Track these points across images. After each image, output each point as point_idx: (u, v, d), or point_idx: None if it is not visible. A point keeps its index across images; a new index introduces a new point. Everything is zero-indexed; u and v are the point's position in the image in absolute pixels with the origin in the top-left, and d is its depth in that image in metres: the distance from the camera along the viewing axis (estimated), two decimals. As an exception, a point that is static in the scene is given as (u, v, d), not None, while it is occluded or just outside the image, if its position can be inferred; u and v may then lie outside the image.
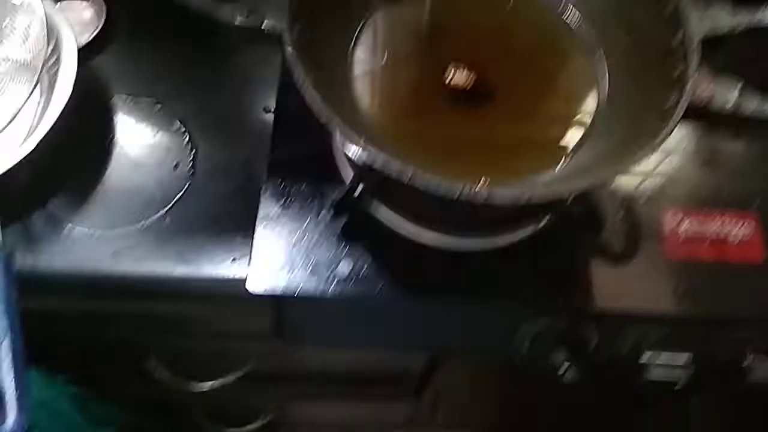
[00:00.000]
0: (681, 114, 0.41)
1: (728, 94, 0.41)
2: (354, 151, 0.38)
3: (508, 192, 0.37)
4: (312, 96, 0.38)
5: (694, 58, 0.42)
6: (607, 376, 0.56)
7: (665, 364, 0.53)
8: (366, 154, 0.37)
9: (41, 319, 0.58)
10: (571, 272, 0.53)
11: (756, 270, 0.53)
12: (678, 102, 0.41)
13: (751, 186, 0.57)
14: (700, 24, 0.44)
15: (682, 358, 0.53)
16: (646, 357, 0.53)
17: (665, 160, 0.57)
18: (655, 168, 0.57)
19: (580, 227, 0.53)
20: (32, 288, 0.49)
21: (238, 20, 0.40)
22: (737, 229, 0.55)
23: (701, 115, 0.42)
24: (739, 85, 0.41)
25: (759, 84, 0.52)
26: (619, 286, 0.53)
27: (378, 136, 0.46)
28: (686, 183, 0.57)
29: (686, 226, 0.55)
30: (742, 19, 0.44)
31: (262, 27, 0.41)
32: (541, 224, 0.53)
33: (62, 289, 0.57)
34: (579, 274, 0.53)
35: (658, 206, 0.55)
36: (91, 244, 0.55)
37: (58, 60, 0.58)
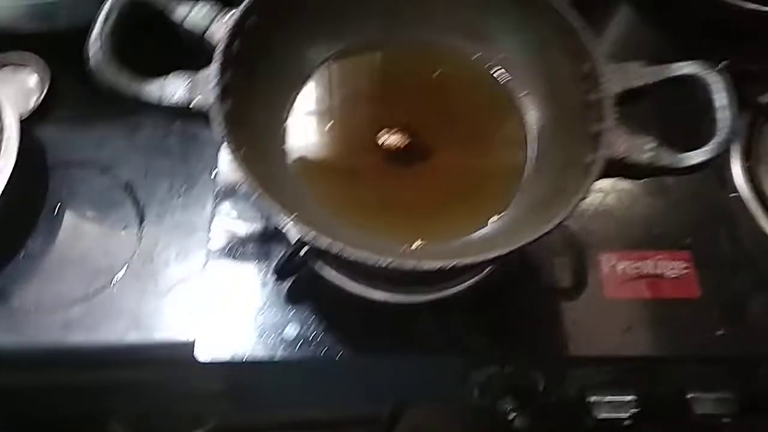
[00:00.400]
0: (600, 169, 0.42)
1: (643, 149, 0.43)
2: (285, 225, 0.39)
3: (434, 261, 0.38)
4: (243, 172, 0.39)
5: (609, 115, 0.44)
6: (555, 418, 0.57)
7: (612, 402, 0.54)
8: (296, 230, 0.38)
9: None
10: (514, 319, 0.54)
11: (693, 306, 0.55)
12: (596, 158, 0.43)
13: (682, 226, 0.59)
14: (615, 80, 0.46)
15: (628, 396, 0.54)
16: (592, 398, 0.54)
17: (599, 204, 0.59)
18: (589, 213, 0.58)
19: (519, 276, 0.54)
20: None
21: (166, 101, 0.41)
22: (672, 267, 0.57)
23: (622, 167, 0.44)
24: (653, 143, 0.43)
25: (674, 130, 0.55)
26: (561, 331, 0.54)
27: (314, 202, 0.48)
28: (620, 225, 0.59)
29: (623, 266, 0.56)
30: (655, 73, 0.46)
31: (190, 107, 0.42)
32: (484, 274, 0.54)
33: (13, 365, 0.56)
34: (522, 321, 0.54)
35: (594, 249, 0.57)
36: (40, 317, 0.55)
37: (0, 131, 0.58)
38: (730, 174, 0.62)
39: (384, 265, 0.38)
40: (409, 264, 0.38)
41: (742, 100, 0.61)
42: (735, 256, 0.58)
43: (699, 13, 0.73)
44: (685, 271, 0.57)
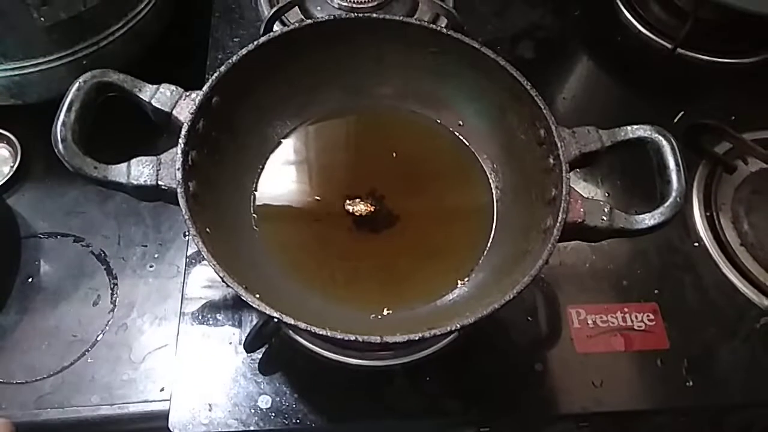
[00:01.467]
0: (559, 234, 0.44)
1: (599, 213, 0.45)
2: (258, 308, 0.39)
3: (398, 336, 0.39)
4: (208, 257, 0.40)
5: (566, 181, 0.45)
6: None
7: (588, 457, 0.55)
8: (267, 312, 0.39)
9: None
10: (488, 380, 0.55)
11: (662, 357, 0.56)
12: (555, 223, 0.44)
13: (649, 277, 0.60)
14: (571, 145, 0.47)
15: (602, 451, 0.55)
16: (568, 454, 0.54)
17: (567, 259, 0.60)
18: (558, 268, 0.60)
19: (492, 335, 0.55)
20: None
21: (132, 184, 0.42)
22: (640, 319, 0.58)
23: (579, 230, 0.45)
24: (608, 207, 0.44)
25: (628, 186, 0.61)
26: (536, 389, 0.54)
27: (283, 275, 0.48)
28: (589, 279, 0.60)
29: (592, 320, 0.57)
30: (609, 136, 0.48)
31: (159, 184, 0.43)
32: (455, 335, 0.55)
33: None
34: (496, 382, 0.55)
35: (564, 304, 0.58)
36: (12, 393, 0.55)
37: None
38: (693, 223, 0.64)
39: (351, 340, 0.38)
40: (375, 339, 0.39)
41: (699, 150, 0.64)
42: (700, 306, 0.59)
43: (657, 68, 0.75)
44: (652, 323, 0.58)
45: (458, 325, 0.40)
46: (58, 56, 0.61)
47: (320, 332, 0.39)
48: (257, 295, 0.39)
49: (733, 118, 0.69)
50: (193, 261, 0.60)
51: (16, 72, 0.61)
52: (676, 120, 0.69)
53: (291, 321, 0.38)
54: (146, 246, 0.63)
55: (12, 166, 0.66)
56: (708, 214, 0.64)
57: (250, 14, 0.74)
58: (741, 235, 0.63)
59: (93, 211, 0.65)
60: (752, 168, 0.67)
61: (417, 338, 0.39)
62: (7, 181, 0.65)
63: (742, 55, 0.75)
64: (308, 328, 0.39)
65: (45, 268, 0.62)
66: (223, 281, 0.40)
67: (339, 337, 0.39)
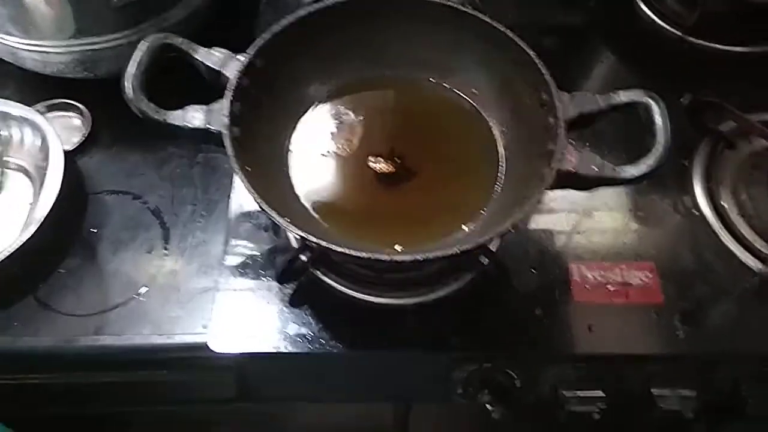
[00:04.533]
0: (551, 179, 0.50)
1: (590, 164, 0.50)
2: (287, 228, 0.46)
3: (404, 255, 0.45)
4: (247, 186, 0.47)
5: (562, 136, 0.51)
6: (531, 411, 0.62)
7: (582, 397, 0.60)
8: (290, 231, 0.46)
9: (27, 393, 0.65)
10: (491, 322, 0.60)
11: (655, 310, 0.61)
12: (550, 170, 0.50)
13: (648, 240, 0.65)
14: (570, 107, 0.53)
15: (597, 392, 0.59)
16: (564, 393, 0.59)
17: (572, 222, 0.66)
18: (562, 230, 0.65)
19: (497, 283, 0.61)
20: (19, 365, 0.55)
21: (186, 126, 0.50)
22: (637, 276, 0.62)
23: (572, 178, 0.51)
24: (598, 159, 0.50)
25: (625, 150, 0.65)
26: (535, 332, 0.60)
27: (311, 214, 0.56)
28: (590, 240, 0.65)
29: (591, 275, 0.62)
30: (604, 100, 0.53)
31: (208, 127, 0.50)
32: (465, 281, 0.61)
33: (51, 363, 0.64)
34: (498, 323, 0.60)
35: (564, 261, 0.63)
36: (74, 324, 0.62)
37: (48, 163, 0.67)
38: (693, 194, 0.68)
39: (363, 257, 0.45)
40: (384, 257, 0.45)
41: (703, 127, 0.69)
42: (696, 267, 0.63)
43: (667, 55, 0.80)
44: (649, 280, 0.62)
45: (457, 250, 0.46)
46: (126, 33, 0.70)
47: (338, 249, 0.45)
48: (288, 220, 0.47)
49: (738, 101, 0.73)
50: (236, 216, 0.67)
51: (90, 47, 0.70)
52: (682, 99, 0.73)
53: (314, 239, 0.45)
54: (195, 205, 0.71)
55: (83, 134, 0.75)
56: (708, 185, 0.68)
57: (294, 2, 0.82)
58: (739, 206, 0.66)
59: (151, 174, 0.73)
60: (755, 147, 0.71)
61: (420, 258, 0.45)
62: (78, 146, 0.74)
63: (749, 44, 0.79)
64: (329, 246, 0.46)
65: (107, 221, 0.70)
66: (260, 207, 0.47)
67: (354, 254, 0.46)
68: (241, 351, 0.58)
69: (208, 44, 0.56)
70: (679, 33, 0.79)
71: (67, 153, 0.69)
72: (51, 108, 0.77)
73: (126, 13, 0.68)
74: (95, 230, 0.69)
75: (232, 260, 0.64)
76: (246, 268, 0.64)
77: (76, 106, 0.77)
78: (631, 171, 0.51)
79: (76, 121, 0.77)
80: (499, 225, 0.49)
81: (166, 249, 0.68)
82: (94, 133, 0.75)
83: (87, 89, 0.76)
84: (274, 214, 0.46)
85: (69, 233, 0.68)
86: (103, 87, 0.68)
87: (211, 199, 0.71)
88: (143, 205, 0.71)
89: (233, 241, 0.65)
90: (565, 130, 0.52)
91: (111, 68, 0.72)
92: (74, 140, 0.75)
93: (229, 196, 0.70)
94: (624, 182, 0.51)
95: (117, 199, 0.72)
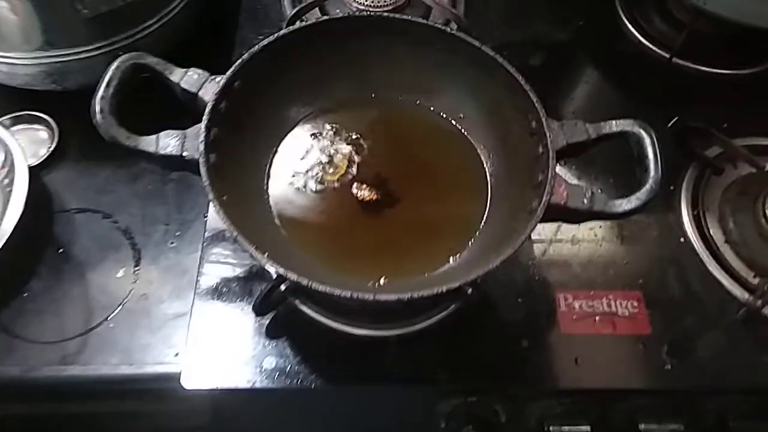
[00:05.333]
0: (542, 213, 0.48)
1: (581, 197, 0.49)
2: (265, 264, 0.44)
3: (389, 294, 0.43)
4: (223, 218, 0.45)
5: (552, 167, 0.49)
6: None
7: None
8: (269, 266, 0.43)
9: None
10: (476, 354, 0.58)
11: (643, 341, 0.60)
12: (539, 203, 0.48)
13: (635, 268, 0.64)
14: (560, 136, 0.52)
15: (585, 426, 0.58)
16: (551, 428, 0.58)
17: (559, 249, 0.64)
18: (550, 257, 0.64)
19: (483, 313, 0.59)
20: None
21: (159, 153, 0.47)
22: (624, 306, 0.61)
23: (562, 211, 0.49)
24: (589, 191, 0.49)
25: (613, 176, 0.66)
26: (520, 365, 0.58)
27: (291, 244, 0.53)
28: (578, 268, 0.64)
29: (578, 304, 0.61)
30: (594, 129, 0.52)
31: (183, 155, 0.48)
32: (449, 311, 0.59)
33: (12, 394, 0.60)
34: (484, 355, 0.59)
35: (553, 289, 0.62)
36: (38, 351, 0.59)
37: (11, 179, 0.64)
38: (680, 221, 0.67)
39: (346, 297, 0.43)
40: (368, 296, 0.43)
41: (690, 153, 0.68)
42: (683, 297, 0.62)
43: (654, 76, 0.80)
44: (636, 310, 0.61)
45: (444, 288, 0.44)
46: (97, 46, 0.67)
47: (320, 288, 0.43)
48: (266, 254, 0.44)
49: (725, 125, 0.72)
50: (211, 238, 0.64)
51: (59, 59, 0.67)
52: (669, 125, 0.72)
53: (294, 277, 0.43)
54: (168, 225, 0.68)
55: (49, 147, 0.71)
56: (695, 212, 0.67)
57: (275, 14, 0.80)
58: (726, 233, 0.66)
59: (121, 191, 0.70)
60: (741, 172, 0.70)
61: (406, 298, 0.43)
62: (44, 160, 0.71)
63: (736, 67, 0.79)
64: (310, 284, 0.43)
65: (75, 241, 0.66)
66: (235, 240, 0.45)
67: (336, 293, 0.43)
68: (215, 387, 0.55)
69: (185, 59, 0.54)
70: (666, 54, 0.78)
71: (32, 168, 0.65)
72: (16, 120, 0.73)
73: (97, 25, 0.65)
74: (62, 251, 0.66)
75: (207, 284, 0.62)
76: (221, 294, 0.61)
77: (42, 118, 0.73)
78: (623, 205, 0.49)
79: (43, 134, 0.74)
80: (487, 261, 0.47)
81: (136, 271, 0.65)
82: (61, 146, 0.72)
83: (55, 101, 0.73)
84: (251, 249, 0.44)
85: (34, 254, 0.65)
86: (71, 98, 0.65)
87: (185, 218, 0.69)
88: (113, 225, 0.68)
89: (208, 265, 0.63)
90: (554, 160, 0.50)
91: (80, 81, 0.69)
92: (41, 153, 0.71)
93: (204, 216, 0.68)
94: (615, 217, 0.50)
95: (85, 217, 0.68)
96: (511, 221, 0.52)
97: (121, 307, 0.62)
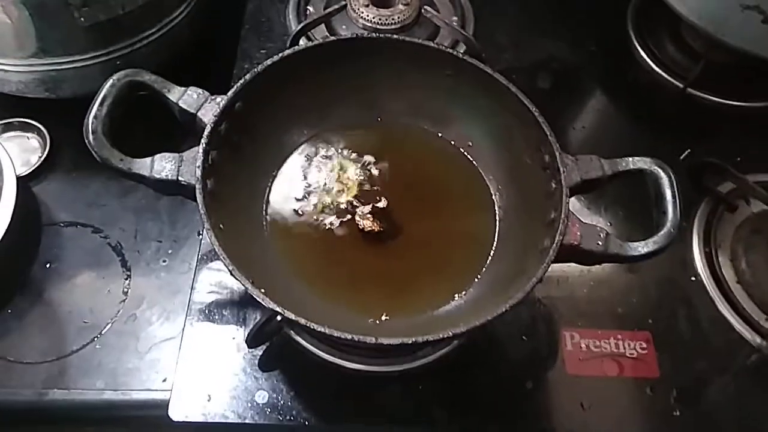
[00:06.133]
0: (554, 254, 0.45)
1: (595, 238, 0.47)
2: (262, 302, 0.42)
3: (392, 338, 0.41)
4: (219, 250, 0.42)
5: (565, 205, 0.47)
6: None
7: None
8: (269, 306, 0.41)
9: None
10: (478, 393, 0.56)
11: (651, 385, 0.57)
12: (552, 243, 0.46)
13: (644, 307, 0.62)
14: (574, 171, 0.49)
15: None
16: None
17: (566, 285, 0.62)
18: (556, 293, 0.61)
19: (486, 350, 0.57)
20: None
21: (154, 177, 0.44)
22: (632, 346, 0.59)
23: (575, 253, 0.47)
24: (604, 232, 0.46)
25: (626, 213, 0.64)
26: (523, 405, 0.56)
27: (289, 274, 0.51)
28: (585, 305, 0.61)
29: (585, 343, 0.59)
30: (610, 166, 0.50)
31: (179, 179, 0.45)
32: (452, 347, 0.56)
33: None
34: (486, 395, 0.56)
35: (559, 327, 0.60)
36: (21, 372, 0.57)
37: (-1, 187, 0.61)
38: (692, 258, 0.65)
39: (346, 339, 0.40)
40: (369, 340, 0.41)
41: (702, 188, 0.66)
42: (693, 339, 0.60)
43: (667, 106, 0.78)
44: (644, 351, 0.59)
45: (450, 333, 0.42)
46: (94, 55, 0.65)
47: (318, 329, 0.41)
48: (262, 290, 0.42)
49: (739, 159, 0.70)
50: (205, 259, 0.62)
51: (53, 67, 0.64)
52: (682, 157, 0.70)
53: (292, 316, 0.41)
54: (161, 242, 0.65)
55: (40, 156, 0.69)
56: (707, 250, 0.65)
57: (279, 29, 0.77)
58: (738, 273, 0.64)
59: (113, 205, 0.68)
60: (754, 209, 0.68)
61: (410, 342, 0.41)
62: (34, 170, 0.68)
63: (752, 99, 0.77)
64: (308, 325, 0.41)
65: (63, 256, 0.64)
66: (231, 274, 0.42)
67: (336, 335, 0.41)
68: (203, 420, 0.52)
69: (184, 72, 0.51)
70: (680, 84, 0.76)
71: (20, 178, 0.63)
72: (7, 128, 0.71)
73: (94, 34, 0.63)
74: (49, 266, 0.63)
75: (199, 308, 0.59)
76: (213, 320, 0.59)
77: (34, 126, 0.71)
78: (639, 249, 0.47)
79: (34, 142, 0.71)
80: (495, 303, 0.45)
81: (126, 290, 0.62)
82: (52, 156, 0.69)
83: (47, 109, 0.70)
84: (248, 285, 0.42)
85: (19, 269, 0.63)
86: (65, 107, 0.62)
87: (178, 235, 0.66)
88: (103, 240, 0.66)
89: (200, 287, 0.60)
90: (568, 197, 0.48)
91: (75, 89, 0.67)
92: (32, 162, 0.69)
93: (199, 233, 0.65)
94: (631, 260, 0.47)
95: (75, 231, 0.66)
96: (520, 258, 0.50)
97: (108, 327, 0.60)
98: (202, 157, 0.46)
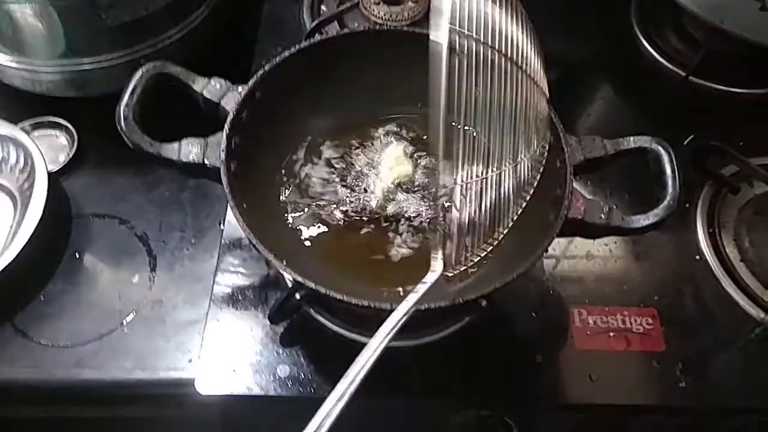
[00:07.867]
0: (559, 228, 0.48)
1: (598, 212, 0.49)
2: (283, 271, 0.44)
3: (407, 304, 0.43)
4: (242, 226, 0.45)
5: (570, 182, 0.50)
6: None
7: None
8: (286, 274, 0.43)
9: (4, 427, 0.62)
10: (490, 367, 0.58)
11: (657, 358, 0.59)
12: (557, 218, 0.48)
13: (650, 285, 0.64)
14: (577, 152, 0.52)
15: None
16: (563, 443, 0.58)
17: (575, 265, 0.64)
18: (565, 273, 0.63)
19: (497, 326, 0.59)
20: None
21: (182, 160, 0.48)
22: (639, 322, 0.61)
23: (579, 226, 0.50)
24: (607, 206, 0.49)
25: (628, 191, 0.66)
26: (534, 379, 0.58)
27: (308, 252, 0.53)
28: (593, 284, 0.64)
29: (593, 320, 0.61)
30: (612, 146, 0.52)
31: (205, 162, 0.48)
32: (463, 324, 0.59)
33: (28, 396, 0.61)
34: (497, 369, 0.58)
35: (566, 305, 0.62)
36: (54, 355, 0.60)
37: (31, 184, 0.65)
38: (696, 239, 0.67)
39: (363, 306, 0.43)
40: (385, 306, 0.43)
41: (706, 172, 0.68)
42: (698, 314, 0.62)
43: (671, 94, 0.80)
44: (650, 326, 0.61)
45: (460, 300, 0.44)
46: (119, 55, 0.68)
47: (337, 296, 0.43)
48: (284, 261, 0.44)
49: (741, 144, 0.72)
50: (227, 245, 0.65)
51: (81, 67, 0.68)
52: (686, 143, 0.72)
53: (311, 285, 0.43)
54: (184, 232, 0.68)
55: (69, 154, 0.72)
56: (711, 230, 0.67)
57: (294, 26, 0.81)
58: (741, 252, 0.66)
59: (139, 198, 0.71)
60: (757, 190, 0.70)
61: (423, 308, 0.43)
62: (63, 166, 0.72)
63: (752, 86, 0.79)
64: (327, 293, 0.43)
65: (92, 246, 0.67)
66: (254, 247, 0.45)
67: (354, 302, 0.43)
68: (229, 393, 0.55)
69: (205, 68, 0.54)
70: (683, 72, 0.78)
71: (51, 174, 0.66)
72: (36, 126, 0.74)
73: (120, 34, 0.66)
74: (78, 255, 0.66)
75: (222, 292, 0.62)
76: (236, 302, 0.61)
77: (63, 125, 0.74)
78: (641, 221, 0.49)
79: (63, 140, 0.75)
80: (503, 274, 0.47)
81: (152, 278, 0.65)
82: (80, 153, 0.73)
83: (75, 108, 0.74)
84: (270, 256, 0.44)
85: (51, 258, 0.66)
86: (91, 105, 0.66)
87: (201, 225, 0.69)
88: (130, 231, 0.69)
89: (223, 272, 0.63)
90: (572, 175, 0.50)
91: (102, 89, 0.70)
92: (60, 159, 0.72)
93: (220, 223, 0.68)
94: (632, 232, 0.50)
95: (102, 223, 0.69)
96: (527, 235, 0.52)
97: (135, 312, 0.63)
98: (225, 142, 0.49)
